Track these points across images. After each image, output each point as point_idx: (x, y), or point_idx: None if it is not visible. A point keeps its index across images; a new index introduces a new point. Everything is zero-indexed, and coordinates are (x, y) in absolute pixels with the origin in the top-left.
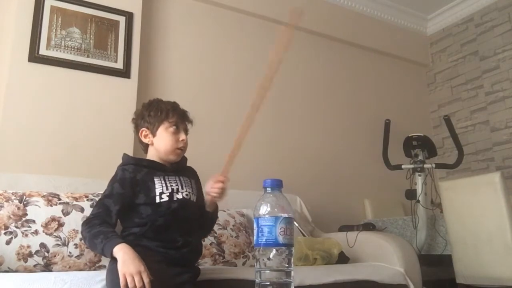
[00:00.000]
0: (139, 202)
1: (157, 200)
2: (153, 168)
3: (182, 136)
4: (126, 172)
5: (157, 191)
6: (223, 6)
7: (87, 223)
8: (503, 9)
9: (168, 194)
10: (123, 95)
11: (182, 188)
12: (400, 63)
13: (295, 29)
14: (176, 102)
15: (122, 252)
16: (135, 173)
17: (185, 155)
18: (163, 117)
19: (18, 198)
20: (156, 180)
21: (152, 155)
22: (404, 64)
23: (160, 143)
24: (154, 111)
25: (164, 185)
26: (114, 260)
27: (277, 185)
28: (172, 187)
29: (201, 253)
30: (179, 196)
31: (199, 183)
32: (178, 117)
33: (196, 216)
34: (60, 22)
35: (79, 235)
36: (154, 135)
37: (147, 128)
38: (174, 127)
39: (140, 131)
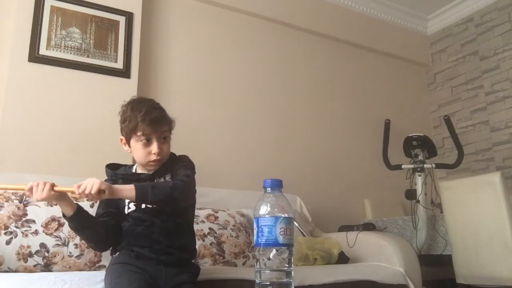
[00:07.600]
0: (117, 211)
1: (126, 210)
2: (127, 180)
3: (154, 149)
4: (109, 181)
5: (126, 201)
6: (223, 6)
7: None
8: (503, 9)
9: (135, 203)
10: (123, 95)
11: None
12: (400, 63)
13: (295, 29)
14: (153, 102)
15: None
16: (114, 183)
17: (182, 152)
18: (132, 128)
19: (18, 198)
20: None
21: (137, 162)
22: (404, 64)
23: (135, 155)
24: (125, 121)
25: None
26: (112, 261)
27: (277, 185)
28: None
29: (194, 249)
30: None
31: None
32: (150, 127)
33: (174, 216)
34: (60, 22)
35: None
36: (129, 145)
37: (124, 137)
38: (144, 140)
39: (120, 139)
